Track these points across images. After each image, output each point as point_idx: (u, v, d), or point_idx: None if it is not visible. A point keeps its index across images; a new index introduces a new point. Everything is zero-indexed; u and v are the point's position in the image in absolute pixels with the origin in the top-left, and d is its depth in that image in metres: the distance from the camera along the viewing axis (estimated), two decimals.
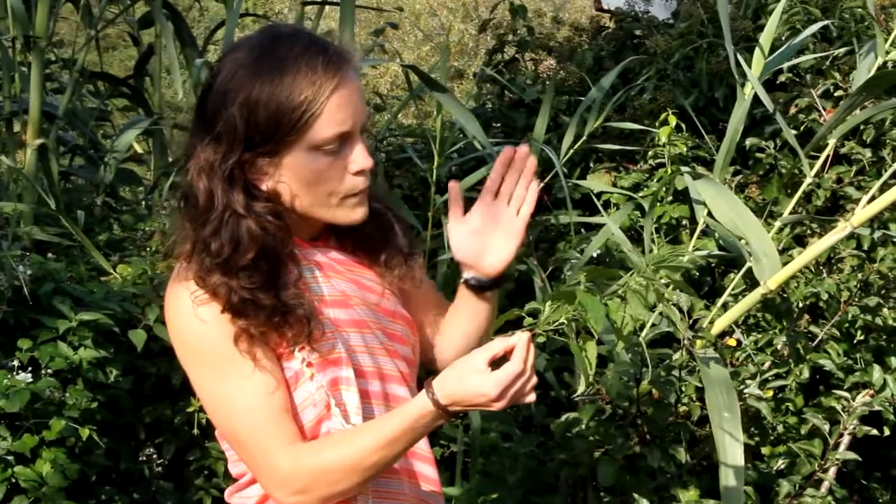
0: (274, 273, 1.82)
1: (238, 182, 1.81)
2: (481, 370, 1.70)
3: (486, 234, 1.95)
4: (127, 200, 4.88)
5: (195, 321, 1.79)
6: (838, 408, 2.80)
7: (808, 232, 3.31)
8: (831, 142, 2.84)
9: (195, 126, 1.86)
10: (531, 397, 1.74)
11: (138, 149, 5.17)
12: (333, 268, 1.94)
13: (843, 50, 3.47)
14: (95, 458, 2.95)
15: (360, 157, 1.84)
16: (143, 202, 4.62)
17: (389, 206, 2.06)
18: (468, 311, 2.05)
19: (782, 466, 3.25)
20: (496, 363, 1.71)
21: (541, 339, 1.77)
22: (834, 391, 3.19)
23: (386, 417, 1.81)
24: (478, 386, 1.70)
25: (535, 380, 1.73)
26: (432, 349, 2.12)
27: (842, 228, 2.61)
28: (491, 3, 14.24)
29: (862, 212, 2.59)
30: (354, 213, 1.88)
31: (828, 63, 3.60)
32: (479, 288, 2.00)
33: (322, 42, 1.88)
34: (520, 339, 1.71)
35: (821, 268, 3.27)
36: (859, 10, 3.89)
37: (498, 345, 1.72)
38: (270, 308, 1.79)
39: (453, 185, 1.95)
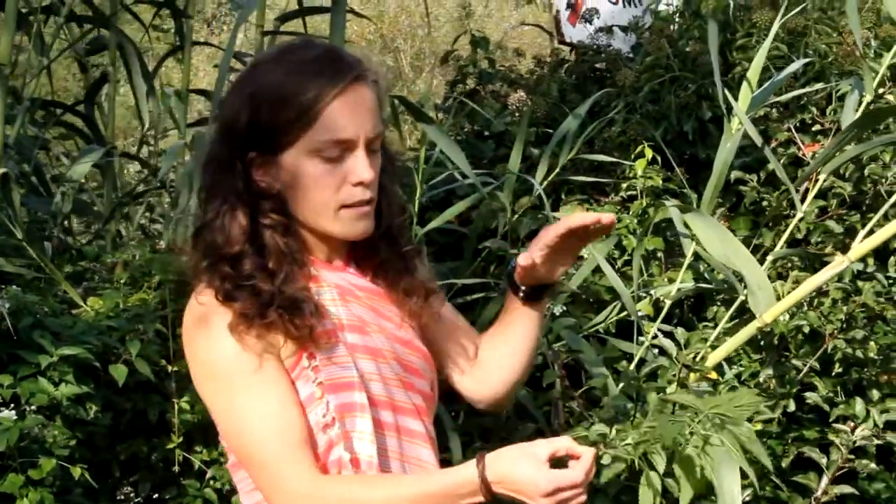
0: (275, 266, 1.81)
1: (239, 176, 1.82)
2: (541, 460, 1.67)
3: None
4: (77, 232, 4.79)
5: (214, 336, 1.79)
6: (836, 440, 2.81)
7: (789, 265, 3.33)
8: (822, 177, 2.86)
9: (213, 123, 1.94)
10: None
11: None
12: (353, 293, 1.92)
13: (821, 86, 3.52)
14: (75, 497, 2.86)
15: (360, 168, 1.83)
16: (98, 233, 4.53)
17: (411, 242, 2.04)
18: (520, 325, 2.04)
19: (748, 498, 3.26)
20: (554, 464, 1.68)
21: (605, 461, 1.76)
22: (815, 425, 3.22)
23: (427, 474, 1.79)
24: (533, 475, 1.67)
25: (584, 497, 1.69)
26: (462, 375, 2.09)
27: (839, 263, 2.63)
28: (407, 35, 14.32)
29: (860, 246, 2.62)
30: (354, 227, 1.87)
31: (804, 98, 3.64)
32: (533, 295, 2.00)
33: (341, 51, 1.90)
34: (587, 451, 1.68)
35: (802, 301, 3.30)
36: (823, 46, 3.96)
37: (563, 443, 1.69)
38: (269, 294, 1.78)
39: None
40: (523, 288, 2.00)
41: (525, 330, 2.05)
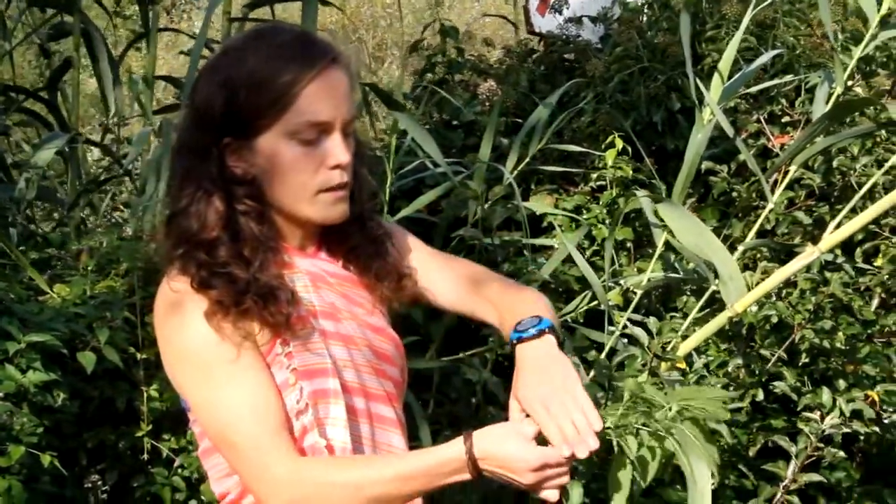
0: (250, 254, 1.80)
1: (213, 162, 1.81)
2: (528, 437, 1.68)
3: None
4: (39, 219, 4.74)
5: (189, 324, 1.78)
6: (806, 430, 2.83)
7: (758, 256, 3.35)
8: (792, 169, 2.88)
9: (185, 110, 1.89)
10: (553, 494, 1.72)
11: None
12: (324, 279, 1.91)
13: (791, 78, 3.54)
14: (43, 485, 2.83)
15: (337, 151, 1.82)
16: (62, 220, 4.48)
17: (383, 226, 2.03)
18: None
19: (713, 486, 3.28)
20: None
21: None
22: (781, 414, 3.25)
23: (408, 454, 1.79)
24: (521, 451, 1.67)
25: (567, 478, 1.71)
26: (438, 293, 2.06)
27: (810, 253, 2.64)
28: (369, 26, 14.28)
29: (830, 237, 2.63)
30: (331, 211, 1.86)
31: (774, 90, 3.66)
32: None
33: (313, 36, 1.90)
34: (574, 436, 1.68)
35: (771, 292, 3.32)
36: (791, 38, 3.98)
37: (548, 423, 1.69)
38: (244, 282, 1.77)
39: None
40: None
41: None
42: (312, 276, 1.90)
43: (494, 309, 1.96)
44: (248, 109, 1.80)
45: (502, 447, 1.68)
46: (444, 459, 1.71)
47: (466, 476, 1.71)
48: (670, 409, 1.97)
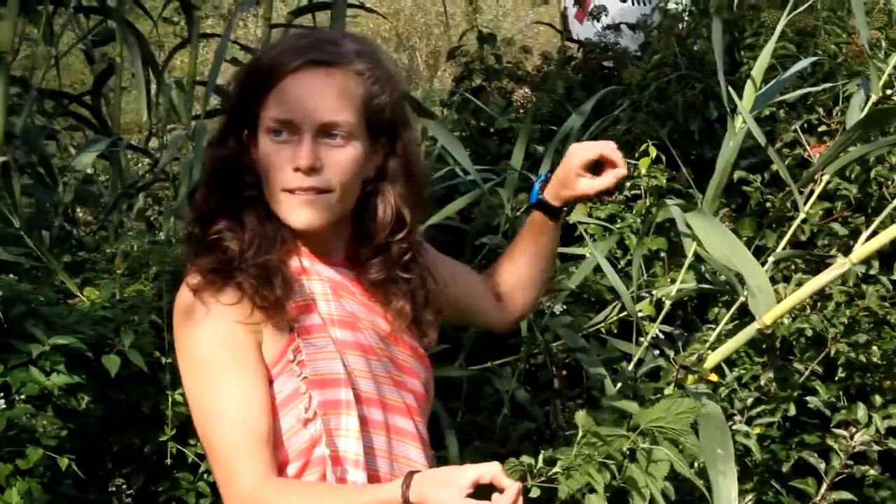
0: (248, 234, 1.80)
1: (228, 150, 1.84)
2: (461, 488, 1.61)
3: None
4: (81, 222, 4.79)
5: (198, 323, 1.78)
6: (835, 446, 2.77)
7: (793, 267, 3.29)
8: (825, 178, 2.82)
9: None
10: None
11: (87, 169, 5.07)
12: (346, 288, 1.88)
13: (827, 85, 3.48)
14: (65, 488, 2.83)
15: (300, 153, 1.79)
16: (102, 224, 4.52)
17: (420, 241, 1.99)
18: (548, 239, 2.16)
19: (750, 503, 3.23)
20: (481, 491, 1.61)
21: (534, 494, 1.71)
22: (815, 430, 3.19)
23: (358, 488, 1.76)
24: (446, 502, 1.61)
25: None
26: (489, 317, 2.20)
27: (841, 265, 2.59)
28: (422, 34, 14.30)
29: (862, 248, 2.58)
30: (294, 214, 1.82)
31: (811, 99, 3.60)
32: (552, 211, 2.12)
33: (328, 37, 1.90)
34: (510, 487, 1.61)
35: (805, 304, 3.26)
36: (832, 46, 3.92)
37: (490, 470, 1.62)
38: (236, 252, 1.79)
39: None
40: (553, 203, 2.11)
41: (552, 244, 2.18)
42: (334, 284, 1.87)
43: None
44: (245, 100, 1.83)
45: (433, 495, 1.62)
46: (386, 498, 1.66)
47: None
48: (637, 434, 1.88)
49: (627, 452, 1.81)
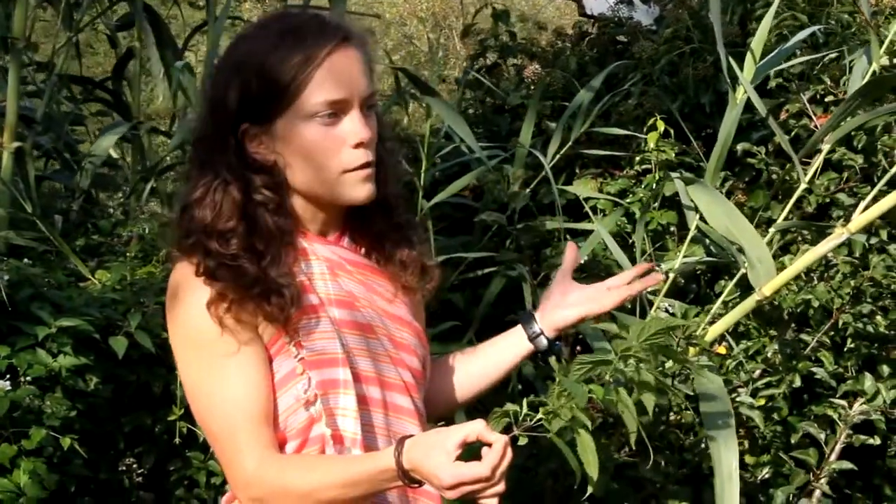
0: (262, 247, 1.79)
1: (232, 151, 1.80)
2: (449, 451, 1.61)
3: (575, 292, 1.99)
4: (103, 206, 4.82)
5: (189, 306, 1.78)
6: (834, 416, 2.76)
7: (798, 238, 3.27)
8: (825, 147, 2.80)
9: (203, 100, 1.89)
10: (491, 502, 1.67)
11: (112, 153, 5.11)
12: (343, 267, 1.89)
13: (833, 54, 3.44)
14: (74, 468, 2.87)
15: (358, 129, 1.80)
16: (121, 207, 4.56)
17: (408, 214, 2.01)
18: (511, 363, 2.05)
19: (767, 476, 3.22)
20: (472, 448, 1.62)
21: (522, 442, 1.71)
22: (825, 400, 3.17)
23: (355, 458, 1.77)
24: (437, 467, 1.62)
25: (499, 487, 1.63)
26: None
27: (839, 234, 2.57)
28: (460, 13, 14.26)
29: (860, 218, 2.56)
30: (358, 191, 1.83)
31: (817, 68, 3.57)
32: (537, 344, 2.01)
33: (324, 16, 1.87)
34: (497, 441, 1.61)
35: (811, 275, 3.24)
36: (845, 16, 3.87)
37: (475, 429, 1.62)
38: (253, 277, 1.76)
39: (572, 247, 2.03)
40: (535, 330, 2.01)
41: (512, 367, 2.08)
42: (331, 263, 1.88)
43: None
44: (261, 96, 1.79)
45: (424, 460, 1.63)
46: (381, 468, 1.68)
47: (401, 484, 1.68)
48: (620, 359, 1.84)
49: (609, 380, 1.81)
